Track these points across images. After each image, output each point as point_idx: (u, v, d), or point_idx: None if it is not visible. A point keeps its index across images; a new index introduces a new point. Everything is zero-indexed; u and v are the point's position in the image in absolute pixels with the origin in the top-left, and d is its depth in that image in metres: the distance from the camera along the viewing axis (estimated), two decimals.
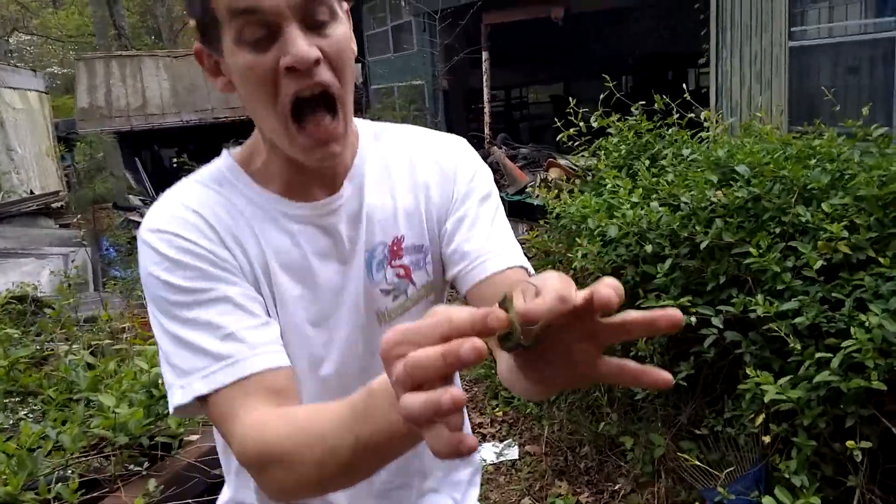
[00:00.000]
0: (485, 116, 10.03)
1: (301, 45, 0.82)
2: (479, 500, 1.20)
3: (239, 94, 0.90)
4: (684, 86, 3.95)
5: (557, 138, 4.27)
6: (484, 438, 3.96)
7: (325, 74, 0.85)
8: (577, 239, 3.34)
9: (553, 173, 7.31)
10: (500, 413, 4.03)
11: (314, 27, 0.84)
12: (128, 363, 2.39)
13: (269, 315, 0.91)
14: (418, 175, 1.02)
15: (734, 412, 2.62)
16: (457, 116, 11.68)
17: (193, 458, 1.99)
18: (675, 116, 3.76)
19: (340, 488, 0.83)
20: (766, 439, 2.36)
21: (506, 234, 1.01)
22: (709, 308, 2.70)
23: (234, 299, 0.87)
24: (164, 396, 2.06)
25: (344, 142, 0.90)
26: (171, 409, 0.87)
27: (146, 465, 1.95)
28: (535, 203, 6.55)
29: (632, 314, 0.54)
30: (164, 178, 13.80)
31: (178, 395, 0.85)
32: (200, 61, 0.92)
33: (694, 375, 2.84)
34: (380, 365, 0.54)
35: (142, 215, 12.03)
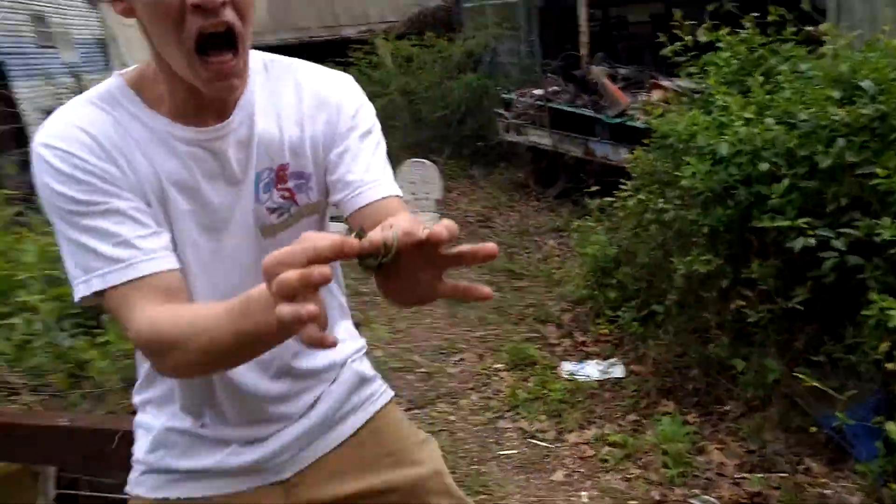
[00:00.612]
0: (581, 36, 9.68)
1: None
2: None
3: (141, 22, 0.95)
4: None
5: (661, 52, 4.08)
6: (587, 356, 4.02)
7: (229, 14, 0.92)
8: (684, 158, 3.25)
9: (656, 95, 7.03)
10: (606, 331, 4.05)
11: None
12: None
13: (159, 226, 1.01)
14: (304, 108, 1.09)
15: (855, 339, 2.55)
16: (552, 36, 11.33)
17: None
18: (792, 30, 3.54)
19: (223, 369, 1.04)
20: (891, 367, 2.30)
21: (384, 166, 1.11)
22: (829, 230, 2.61)
23: (126, 212, 0.98)
24: None
25: (243, 77, 1.00)
26: (75, 300, 1.00)
27: None
28: (638, 125, 6.35)
29: (463, 247, 0.72)
30: None
31: (81, 289, 0.97)
32: None
33: (811, 300, 2.77)
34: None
35: None
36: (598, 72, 8.18)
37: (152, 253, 0.98)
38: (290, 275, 0.65)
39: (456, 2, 13.19)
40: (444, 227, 0.69)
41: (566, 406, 3.49)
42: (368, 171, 1.08)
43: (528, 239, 6.52)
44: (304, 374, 1.20)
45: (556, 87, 8.32)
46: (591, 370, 3.80)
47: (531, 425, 3.39)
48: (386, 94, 9.88)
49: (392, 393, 1.35)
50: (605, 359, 3.91)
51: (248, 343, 0.84)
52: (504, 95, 8.73)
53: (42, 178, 0.97)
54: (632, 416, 3.35)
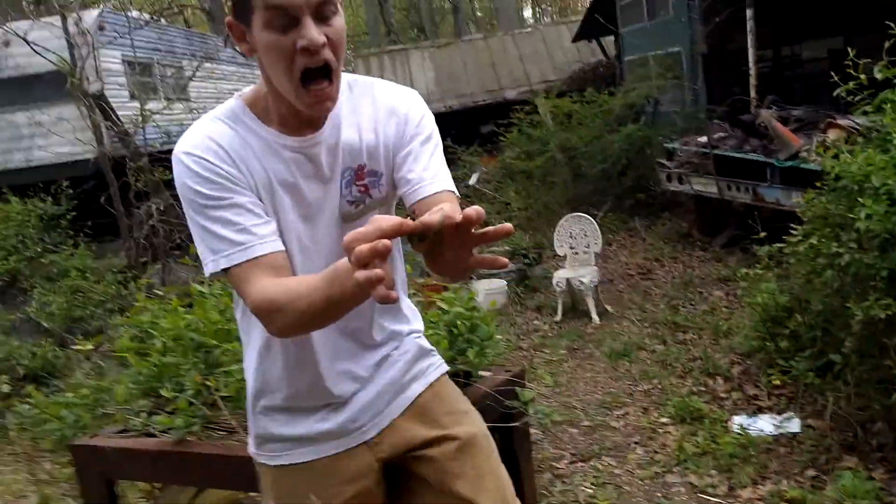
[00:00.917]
0: (750, 79, 9.37)
1: (314, 33, 1.15)
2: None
3: (260, 58, 1.22)
4: None
5: (834, 93, 3.92)
6: (760, 410, 3.85)
7: (327, 54, 1.18)
8: (859, 199, 3.11)
9: (833, 134, 6.66)
10: (779, 382, 3.86)
11: (322, 19, 1.17)
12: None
13: (268, 216, 1.27)
14: (379, 117, 1.34)
15: None
16: (718, 81, 11.04)
17: (489, 387, 2.27)
18: None
19: (317, 328, 1.27)
20: None
21: (440, 166, 1.33)
22: None
23: (245, 205, 1.24)
24: (462, 333, 2.38)
25: (335, 99, 1.25)
26: (206, 275, 1.26)
27: None
28: (812, 168, 6.03)
29: (487, 228, 0.92)
30: None
31: (211, 266, 1.24)
32: (230, 30, 1.24)
33: None
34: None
35: None
36: (768, 115, 7.90)
37: (265, 238, 1.24)
38: (364, 247, 0.86)
39: (617, 56, 13.26)
40: (473, 210, 0.89)
41: (738, 461, 3.36)
42: (427, 170, 1.30)
43: (692, 290, 6.35)
44: (371, 340, 1.44)
45: (721, 134, 8.11)
46: (765, 424, 3.63)
47: (701, 480, 3.29)
48: (545, 151, 10.06)
49: (447, 367, 1.58)
50: (779, 413, 3.73)
51: (335, 304, 1.09)
52: (667, 145, 8.62)
53: (182, 178, 1.25)
54: (810, 472, 3.16)
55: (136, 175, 7.71)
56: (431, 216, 0.90)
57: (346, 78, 1.35)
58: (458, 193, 1.32)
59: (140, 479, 2.41)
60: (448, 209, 0.91)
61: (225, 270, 1.24)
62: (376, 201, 1.36)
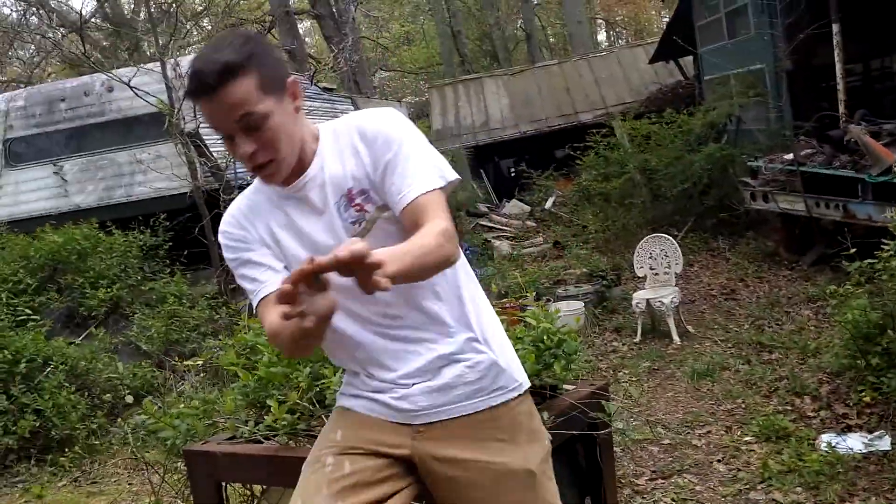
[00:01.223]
0: (838, 94, 9.12)
1: (244, 148, 1.43)
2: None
3: None
4: None
5: None
6: (849, 429, 3.77)
7: (260, 157, 1.45)
8: None
9: None
10: (869, 399, 3.78)
11: (252, 130, 1.41)
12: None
13: (278, 260, 1.58)
14: (356, 144, 1.52)
15: None
16: (803, 97, 10.77)
17: (574, 399, 2.37)
18: None
19: (307, 350, 1.56)
20: None
21: (417, 168, 1.47)
22: None
23: (253, 259, 1.57)
24: (550, 347, 2.46)
25: (280, 174, 1.48)
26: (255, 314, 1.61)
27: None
28: None
29: (371, 261, 1.15)
30: (504, 186, 14.74)
31: (253, 307, 1.57)
32: None
33: None
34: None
35: (489, 220, 13.05)
36: (858, 130, 7.70)
37: (266, 282, 1.55)
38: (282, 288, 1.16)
39: (696, 76, 13.11)
40: (348, 250, 1.13)
41: (825, 478, 3.30)
42: (405, 178, 1.47)
43: (779, 310, 6.23)
44: (401, 337, 1.57)
45: (809, 150, 7.93)
46: (854, 442, 3.56)
47: (786, 497, 3.25)
48: (623, 172, 10.03)
49: (524, 388, 1.64)
50: (869, 431, 3.64)
51: (304, 335, 1.28)
52: (750, 163, 8.47)
53: (221, 248, 1.63)
54: None
55: (227, 207, 8.12)
56: (322, 258, 1.15)
57: (331, 127, 1.58)
58: (442, 182, 1.48)
59: (246, 482, 2.58)
60: (339, 250, 1.14)
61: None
62: (375, 212, 1.53)
